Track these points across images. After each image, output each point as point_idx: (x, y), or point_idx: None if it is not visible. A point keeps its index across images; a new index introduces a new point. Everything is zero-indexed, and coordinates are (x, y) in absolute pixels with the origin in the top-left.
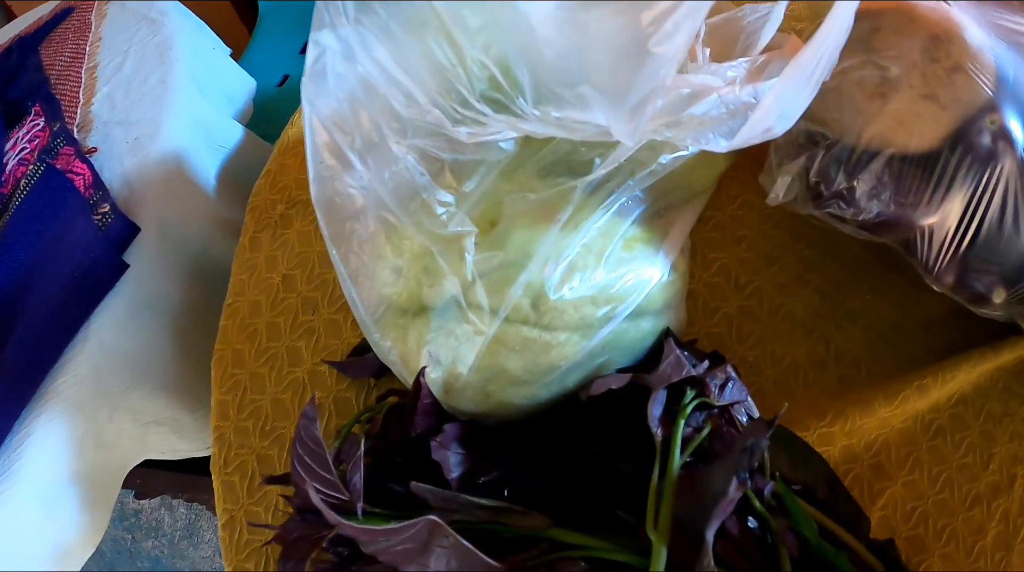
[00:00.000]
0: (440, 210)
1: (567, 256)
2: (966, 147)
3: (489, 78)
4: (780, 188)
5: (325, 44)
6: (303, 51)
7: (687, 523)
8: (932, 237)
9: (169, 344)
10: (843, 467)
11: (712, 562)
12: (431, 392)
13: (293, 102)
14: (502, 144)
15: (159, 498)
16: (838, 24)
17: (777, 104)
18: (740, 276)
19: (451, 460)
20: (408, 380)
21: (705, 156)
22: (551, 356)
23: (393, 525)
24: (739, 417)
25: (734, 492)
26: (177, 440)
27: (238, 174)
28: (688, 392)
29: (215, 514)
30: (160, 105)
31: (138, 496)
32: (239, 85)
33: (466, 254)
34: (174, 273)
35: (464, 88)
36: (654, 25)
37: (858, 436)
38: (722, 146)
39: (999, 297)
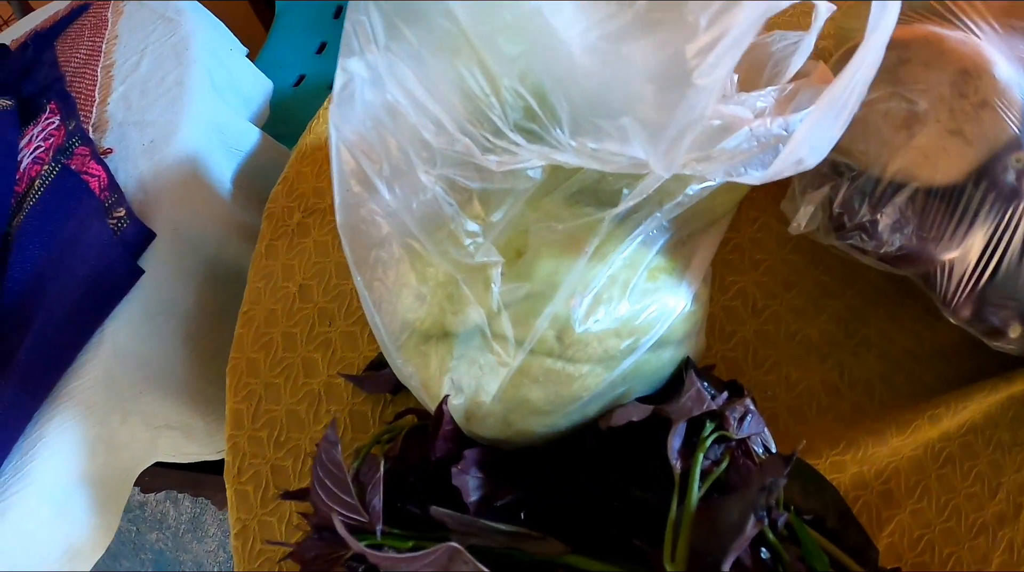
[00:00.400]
0: (467, 240)
1: (593, 288)
2: (990, 183)
3: (524, 108)
4: (803, 218)
5: (353, 71)
6: (320, 51)
7: (703, 555)
8: (952, 271)
9: (182, 348)
10: (853, 493)
11: None
12: (452, 419)
13: (309, 103)
14: (530, 172)
15: (164, 491)
16: (870, 58)
17: (808, 137)
18: (757, 300)
19: (470, 484)
20: (428, 403)
21: (729, 182)
22: (573, 387)
23: (414, 553)
24: (755, 448)
25: (751, 529)
26: (188, 444)
27: (253, 177)
28: (708, 425)
29: (220, 509)
30: (176, 107)
31: (144, 490)
32: (255, 87)
33: (492, 284)
34: (188, 277)
35: (497, 117)
36: (698, 57)
37: (869, 463)
38: (754, 179)
39: (1015, 332)
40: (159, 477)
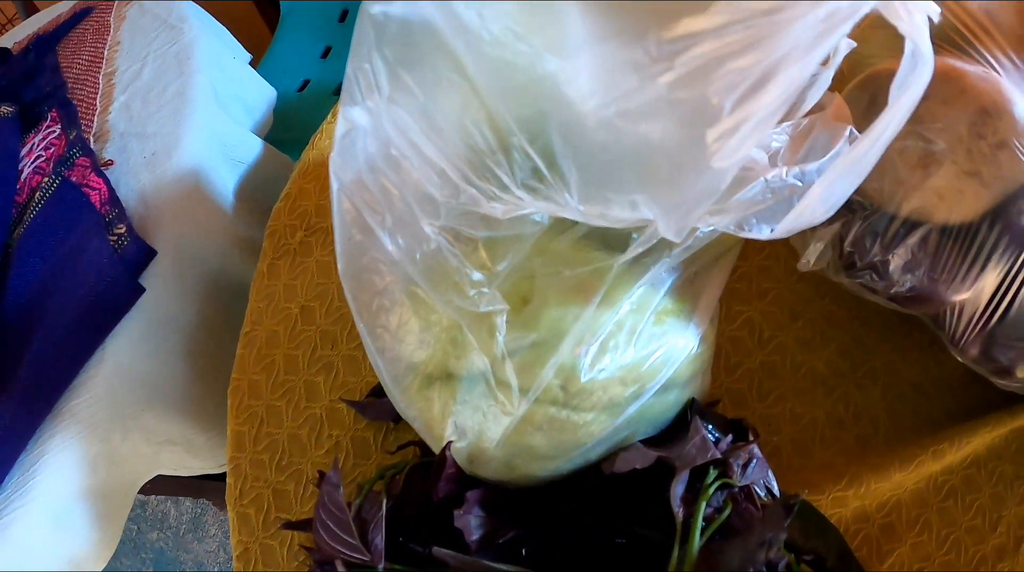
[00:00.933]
0: (472, 291)
1: (600, 336)
2: (1005, 225)
3: (533, 169)
4: (812, 254)
5: (355, 121)
6: (325, 55)
7: None
8: (962, 312)
9: (184, 364)
10: (854, 527)
11: None
12: (455, 462)
13: (313, 108)
14: (536, 217)
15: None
16: (896, 121)
17: (825, 195)
18: (764, 330)
19: (471, 523)
20: (432, 444)
21: None
22: (577, 435)
23: None
24: (758, 491)
25: None
26: (190, 458)
27: (256, 189)
28: (711, 472)
29: (221, 509)
30: (178, 119)
31: (144, 492)
32: (259, 96)
33: (497, 332)
34: (190, 293)
35: (504, 174)
36: (719, 142)
37: (871, 497)
38: (766, 234)
39: (1023, 372)
40: (158, 481)
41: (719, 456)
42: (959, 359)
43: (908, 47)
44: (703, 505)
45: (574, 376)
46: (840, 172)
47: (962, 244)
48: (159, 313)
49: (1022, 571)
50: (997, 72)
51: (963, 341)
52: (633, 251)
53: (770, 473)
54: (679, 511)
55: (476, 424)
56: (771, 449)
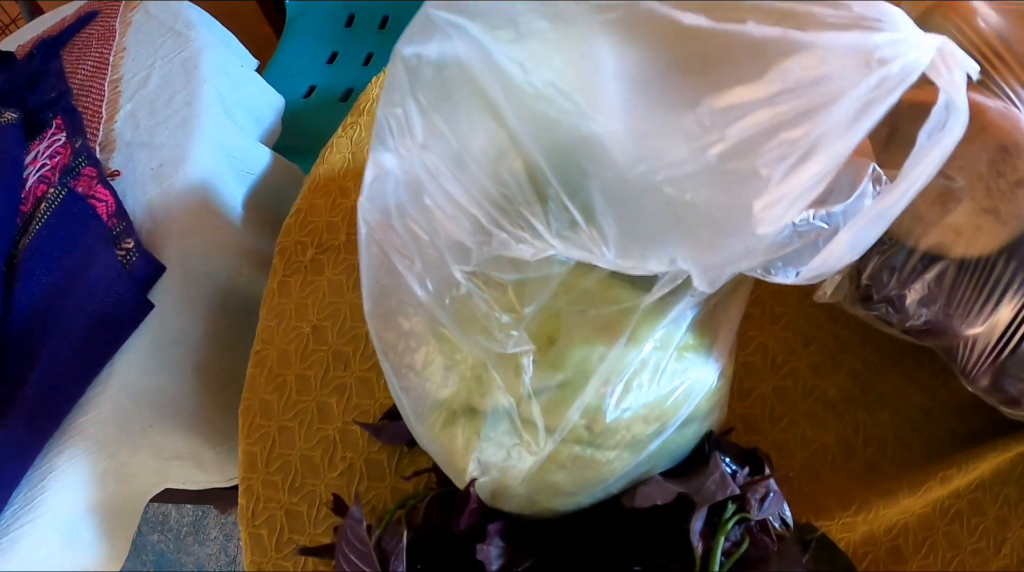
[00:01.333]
0: (500, 334)
1: (625, 375)
2: (1020, 262)
3: (570, 222)
4: (829, 286)
5: (386, 166)
6: (331, 60)
7: None
8: (974, 345)
9: (192, 380)
10: (861, 550)
11: None
12: (479, 499)
13: (320, 115)
14: (561, 257)
15: None
16: (927, 173)
17: (852, 242)
18: (777, 356)
19: (492, 554)
20: (453, 476)
21: None
22: (600, 472)
23: None
24: (773, 523)
25: None
26: (199, 473)
27: (265, 201)
28: (729, 506)
29: (222, 513)
30: (186, 130)
31: None
32: (267, 104)
33: (523, 373)
34: (198, 308)
35: (540, 224)
36: (765, 211)
37: (879, 522)
38: (791, 278)
39: None
40: (163, 492)
41: (738, 491)
42: (969, 389)
43: (942, 99)
44: (722, 540)
45: (600, 416)
46: (868, 220)
47: (978, 279)
48: (167, 329)
49: None
50: (1017, 107)
51: (974, 373)
52: (659, 292)
53: (785, 505)
54: (698, 545)
55: (500, 461)
56: (782, 475)
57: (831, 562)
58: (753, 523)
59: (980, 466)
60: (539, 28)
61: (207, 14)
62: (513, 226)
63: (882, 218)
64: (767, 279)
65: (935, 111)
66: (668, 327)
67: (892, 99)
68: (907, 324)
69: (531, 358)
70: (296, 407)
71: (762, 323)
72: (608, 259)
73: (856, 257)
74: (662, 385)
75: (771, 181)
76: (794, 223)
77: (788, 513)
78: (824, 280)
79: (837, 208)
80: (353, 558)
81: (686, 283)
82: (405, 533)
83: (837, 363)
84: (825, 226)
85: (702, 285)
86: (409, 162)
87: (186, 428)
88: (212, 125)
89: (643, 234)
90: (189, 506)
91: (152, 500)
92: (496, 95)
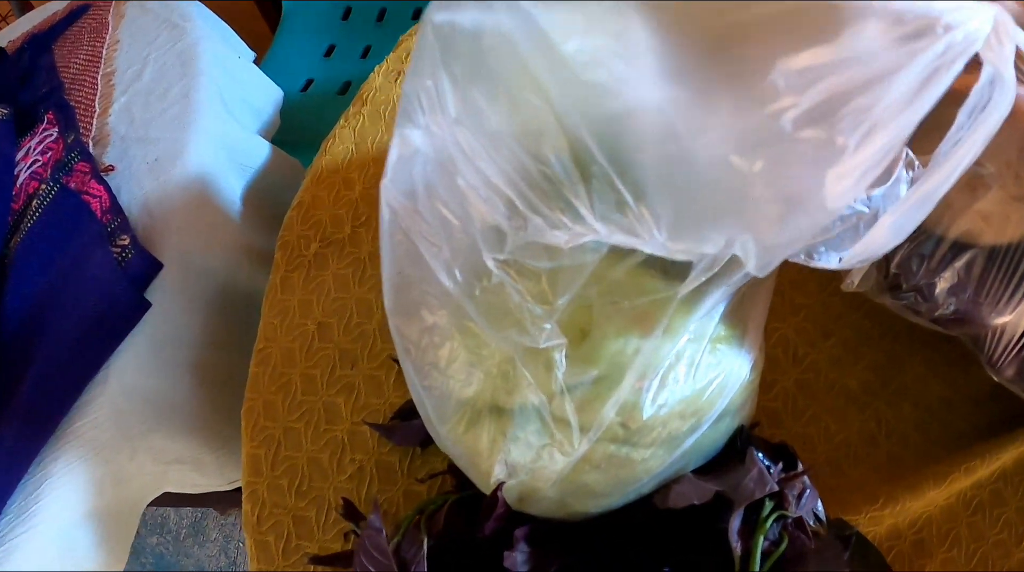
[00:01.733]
0: (532, 327)
1: (660, 369)
2: None
3: (618, 202)
4: (857, 275)
5: (415, 144)
6: (328, 54)
7: None
8: (1002, 335)
9: (192, 381)
10: (887, 544)
11: None
12: (506, 503)
13: (318, 109)
14: (594, 244)
15: None
16: (973, 151)
17: (895, 226)
18: (798, 348)
19: (518, 559)
20: (477, 479)
21: None
22: (635, 471)
23: None
24: (808, 520)
25: None
26: (198, 477)
27: (264, 195)
28: (767, 504)
29: (221, 514)
30: (182, 123)
31: None
32: (266, 97)
33: (556, 369)
34: (197, 306)
35: (583, 206)
36: (839, 183)
37: (904, 515)
38: (834, 263)
39: None
40: (162, 495)
41: (776, 488)
42: (995, 379)
43: (987, 73)
44: (760, 539)
45: (636, 413)
46: (912, 203)
47: (1007, 268)
48: (165, 329)
49: None
50: None
51: (1001, 362)
52: (695, 281)
53: (819, 501)
54: (737, 545)
55: (529, 462)
56: (807, 468)
57: (864, 559)
58: (790, 521)
59: (1002, 457)
60: None
61: (203, 6)
62: (552, 209)
63: (924, 203)
64: (810, 264)
65: (977, 88)
66: (702, 319)
67: (957, 68)
68: (936, 313)
69: (563, 352)
70: (302, 408)
71: (783, 314)
72: (658, 242)
73: (898, 242)
74: (698, 379)
75: (847, 150)
76: None
77: (822, 510)
78: (852, 269)
79: (877, 192)
80: (372, 568)
81: (722, 272)
82: (425, 540)
83: (858, 355)
84: (866, 210)
85: (755, 269)
86: (440, 139)
87: (186, 431)
88: (209, 118)
89: (701, 213)
90: (188, 508)
91: (150, 504)
92: (539, 65)
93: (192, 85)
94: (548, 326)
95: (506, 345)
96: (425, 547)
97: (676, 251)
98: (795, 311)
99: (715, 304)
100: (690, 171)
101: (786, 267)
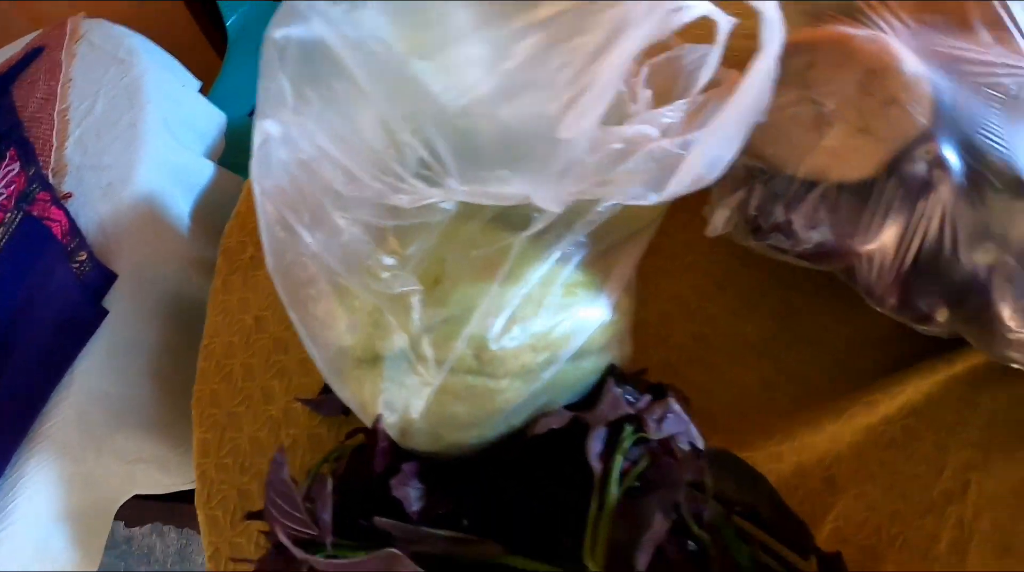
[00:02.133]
0: (384, 274)
1: (508, 308)
2: (901, 177)
3: (419, 159)
4: (718, 221)
5: (268, 131)
6: None
7: (622, 551)
8: (872, 263)
9: (150, 383)
10: (794, 481)
11: None
12: (388, 436)
13: None
14: (443, 205)
15: (150, 525)
16: (758, 82)
17: (704, 156)
18: (692, 302)
19: (411, 495)
20: (367, 421)
21: None
22: (495, 401)
23: (356, 559)
24: (682, 446)
25: (659, 525)
26: (163, 476)
27: (211, 212)
28: (627, 428)
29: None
30: (131, 149)
31: (128, 524)
32: (209, 121)
33: (412, 312)
34: (151, 315)
35: (399, 167)
36: (561, 114)
37: (808, 452)
38: (651, 199)
39: (942, 316)
40: (141, 510)
41: (631, 412)
42: (880, 310)
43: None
44: (619, 459)
45: (485, 345)
46: (715, 132)
47: (862, 196)
48: (123, 335)
49: (971, 513)
50: (887, 34)
51: (879, 292)
52: (534, 228)
53: (692, 428)
54: (597, 466)
55: (402, 399)
56: (705, 416)
57: (752, 488)
58: (655, 444)
59: (907, 390)
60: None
61: (149, 41)
62: (382, 174)
63: (729, 130)
64: (628, 202)
65: (762, 31)
66: (552, 265)
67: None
68: (799, 249)
69: (419, 297)
70: (243, 393)
71: (675, 273)
72: (457, 189)
73: (714, 173)
74: (549, 318)
75: (560, 86)
76: (650, 150)
77: (697, 438)
78: (714, 215)
79: (692, 135)
80: (280, 501)
81: (563, 223)
82: (330, 481)
83: (754, 306)
84: (682, 153)
85: (546, 203)
86: (287, 127)
87: (147, 430)
88: (156, 143)
89: (472, 157)
90: (173, 535)
91: (135, 526)
92: (348, 59)
93: (139, 115)
94: (399, 273)
95: (369, 295)
96: (330, 486)
97: (475, 195)
98: (687, 269)
99: (567, 253)
100: (450, 124)
101: (676, 229)
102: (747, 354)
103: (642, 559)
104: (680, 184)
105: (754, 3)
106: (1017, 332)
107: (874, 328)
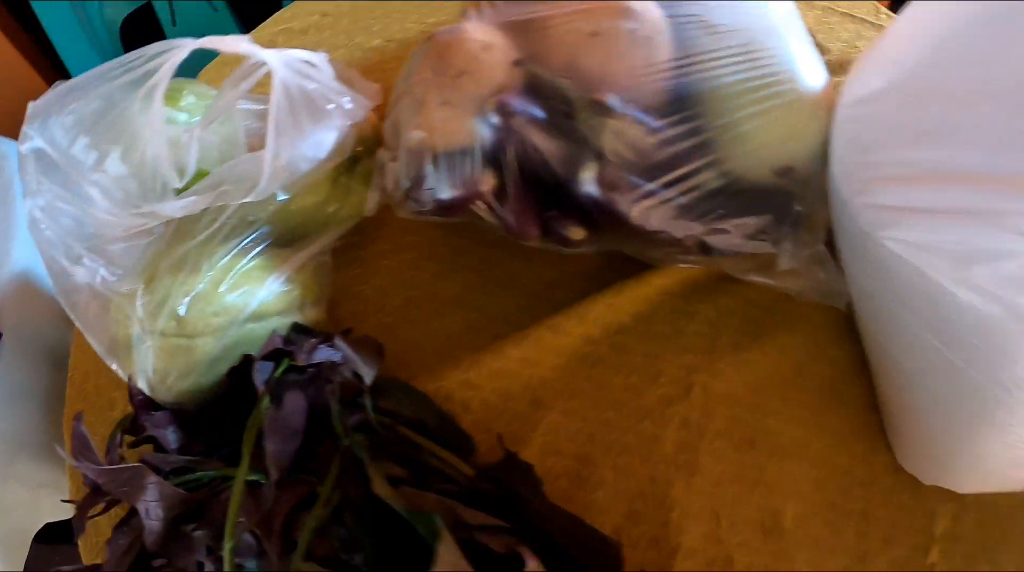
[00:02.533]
0: (115, 279)
1: (196, 289)
2: (483, 126)
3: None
4: (371, 202)
5: (31, 209)
6: None
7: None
8: (490, 207)
9: (43, 420)
10: (501, 406)
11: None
12: (143, 392)
13: None
14: (158, 230)
15: None
16: (228, 100)
17: (280, 165)
18: (404, 274)
19: (169, 437)
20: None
21: (309, 196)
22: (196, 355)
23: (113, 467)
24: (347, 375)
25: (295, 421)
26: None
27: None
28: (284, 360)
29: None
30: (6, 238)
31: None
32: None
33: (136, 301)
34: (37, 364)
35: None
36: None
37: (507, 379)
38: (248, 198)
39: (578, 234)
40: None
41: (285, 349)
42: (532, 245)
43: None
44: (273, 377)
45: (178, 314)
46: (282, 143)
47: (462, 156)
48: (13, 384)
49: (698, 414)
50: (471, 21)
51: (512, 227)
52: (203, 233)
53: (362, 364)
54: (260, 387)
55: (145, 363)
56: (418, 364)
57: (416, 404)
58: (313, 370)
59: (595, 308)
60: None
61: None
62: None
63: (290, 144)
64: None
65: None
66: (233, 256)
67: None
68: (431, 208)
69: (140, 291)
70: (95, 406)
71: (391, 254)
72: (155, 214)
73: (291, 175)
74: (228, 293)
75: None
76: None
77: (367, 371)
78: (369, 198)
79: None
80: (80, 446)
81: (234, 226)
82: (119, 433)
83: (457, 266)
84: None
85: (254, 196)
86: (36, 199)
87: (44, 459)
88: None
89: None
90: None
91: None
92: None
93: (11, 210)
94: (127, 278)
95: (111, 294)
96: (118, 438)
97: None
98: (404, 248)
99: (248, 247)
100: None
101: (391, 217)
102: (452, 307)
103: (276, 446)
104: (269, 187)
105: (261, 55)
106: (661, 231)
107: (577, 266)
